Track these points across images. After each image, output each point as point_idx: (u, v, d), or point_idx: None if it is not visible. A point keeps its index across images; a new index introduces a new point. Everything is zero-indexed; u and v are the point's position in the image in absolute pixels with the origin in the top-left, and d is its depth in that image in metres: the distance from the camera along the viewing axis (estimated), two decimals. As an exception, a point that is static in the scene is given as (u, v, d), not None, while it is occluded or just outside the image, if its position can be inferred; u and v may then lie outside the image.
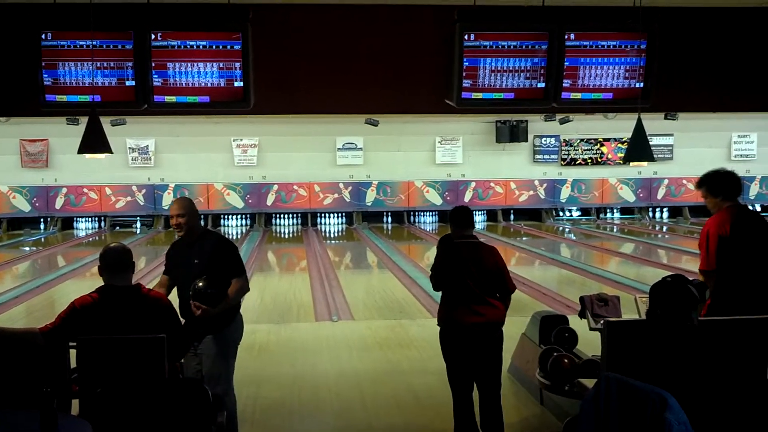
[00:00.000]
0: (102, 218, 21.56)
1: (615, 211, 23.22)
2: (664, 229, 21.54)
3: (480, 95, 5.79)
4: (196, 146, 20.82)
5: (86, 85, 5.30)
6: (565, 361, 5.00)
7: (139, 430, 3.66)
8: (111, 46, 5.32)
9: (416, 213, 22.26)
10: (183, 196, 5.15)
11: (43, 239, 19.96)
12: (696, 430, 2.79)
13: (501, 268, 4.96)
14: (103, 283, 3.98)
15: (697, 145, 21.96)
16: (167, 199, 21.24)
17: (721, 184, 4.89)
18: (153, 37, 5.31)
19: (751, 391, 3.73)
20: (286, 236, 20.78)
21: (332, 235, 20.73)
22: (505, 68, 5.82)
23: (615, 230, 21.27)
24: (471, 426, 4.95)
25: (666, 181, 22.75)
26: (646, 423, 2.73)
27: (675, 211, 23.17)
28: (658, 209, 23.28)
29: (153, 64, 5.34)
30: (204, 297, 4.43)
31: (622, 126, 19.45)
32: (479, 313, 4.84)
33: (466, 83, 5.73)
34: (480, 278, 4.86)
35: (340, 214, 22.16)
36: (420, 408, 5.38)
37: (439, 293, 5.09)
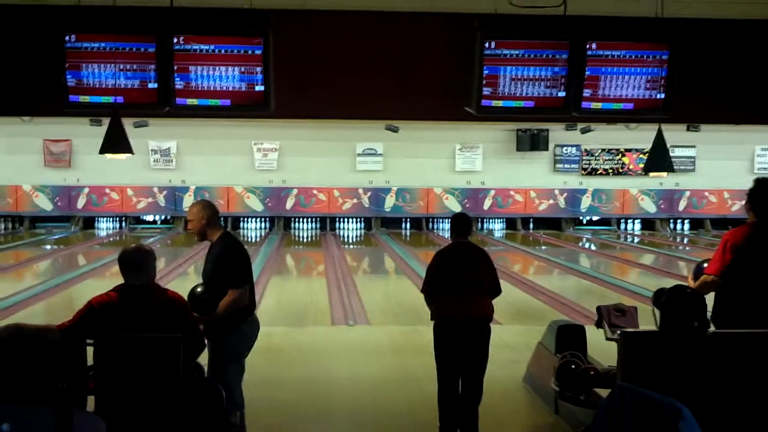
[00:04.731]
0: (123, 218, 21.76)
1: (636, 222, 23.06)
2: (685, 240, 21.36)
3: (500, 103, 5.80)
4: (217, 149, 20.95)
5: (109, 86, 5.38)
6: (585, 370, 4.99)
7: (152, 427, 3.69)
8: (134, 49, 5.39)
9: (435, 220, 22.23)
10: (201, 198, 5.15)
11: (60, 237, 20.17)
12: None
13: (492, 270, 5.30)
14: (121, 282, 4.02)
15: (720, 158, 21.77)
16: (188, 201, 21.37)
17: (755, 197, 4.78)
18: (175, 40, 5.37)
19: (766, 403, 3.70)
20: (305, 240, 20.84)
21: (351, 240, 20.77)
22: (525, 77, 5.82)
23: (635, 241, 21.12)
24: (455, 415, 5.20)
25: (688, 193, 22.56)
26: (659, 434, 2.72)
27: (696, 223, 22.96)
28: (679, 221, 23.09)
29: (175, 67, 5.40)
30: (196, 302, 4.47)
31: (644, 137, 19.25)
32: (471, 310, 5.13)
33: (486, 91, 5.74)
34: (473, 277, 5.16)
35: (358, 220, 22.18)
36: (434, 415, 5.37)
37: None
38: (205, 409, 3.84)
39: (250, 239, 19.81)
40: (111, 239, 20.22)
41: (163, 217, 22.00)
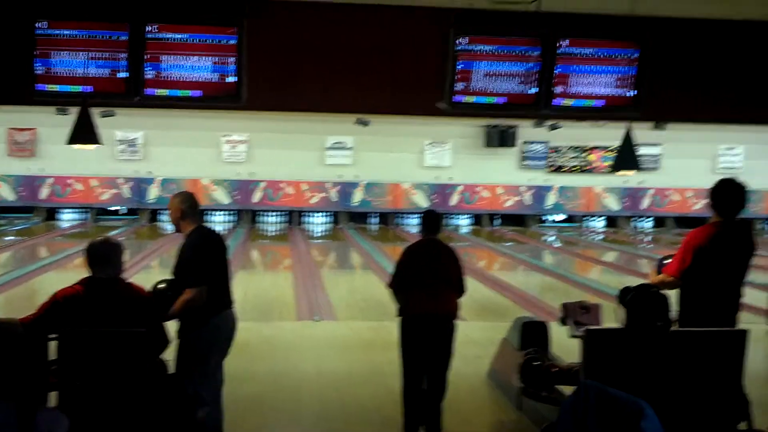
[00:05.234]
0: (87, 209, 21.45)
1: (600, 219, 23.34)
2: (648, 238, 21.67)
3: (472, 99, 5.82)
4: (184, 140, 20.74)
5: (78, 75, 5.29)
6: (548, 367, 5.03)
7: (116, 423, 3.65)
8: (106, 37, 5.31)
9: (403, 215, 22.28)
10: (184, 191, 5.05)
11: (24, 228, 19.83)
12: (673, 439, 2.82)
13: (459, 268, 5.32)
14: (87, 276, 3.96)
15: (683, 156, 22.12)
16: (153, 192, 21.17)
17: (717, 197, 4.81)
18: (149, 29, 5.29)
19: (727, 400, 3.77)
20: (272, 234, 20.73)
21: (318, 235, 20.72)
22: (497, 73, 5.84)
23: (599, 238, 21.37)
24: (419, 411, 5.24)
25: (651, 191, 22.90)
26: (622, 431, 2.76)
27: (659, 221, 23.33)
28: (642, 219, 23.43)
29: (147, 57, 5.33)
30: (157, 299, 4.37)
31: (610, 134, 19.40)
32: (437, 306, 5.16)
33: (459, 87, 5.75)
34: (440, 274, 5.20)
35: (326, 214, 22.15)
36: (398, 410, 5.37)
37: None
38: (169, 404, 3.80)
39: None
40: (74, 231, 19.92)
41: (127, 209, 21.73)
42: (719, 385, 3.79)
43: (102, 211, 21.59)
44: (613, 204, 22.96)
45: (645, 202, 23.03)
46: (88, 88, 5.29)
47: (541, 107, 6.03)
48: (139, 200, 21.29)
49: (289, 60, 6.22)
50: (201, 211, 4.80)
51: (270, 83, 6.19)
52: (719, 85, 6.53)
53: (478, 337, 7.59)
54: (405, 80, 6.35)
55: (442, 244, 5.42)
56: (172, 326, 4.36)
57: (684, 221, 22.30)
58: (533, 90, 5.92)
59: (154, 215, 21.53)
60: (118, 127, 19.83)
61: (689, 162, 22.26)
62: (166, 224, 21.23)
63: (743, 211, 4.78)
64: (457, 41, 5.65)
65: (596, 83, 6.03)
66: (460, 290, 5.35)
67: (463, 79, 5.81)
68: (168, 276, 4.61)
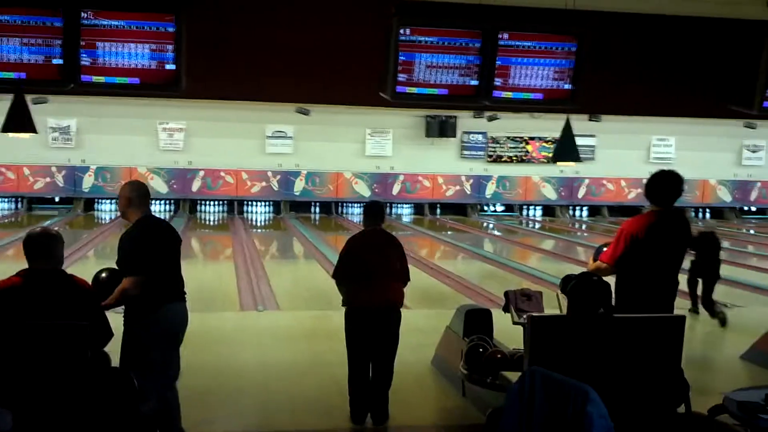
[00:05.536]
0: (19, 199, 20.82)
1: (537, 208, 23.77)
2: (584, 227, 22.16)
3: (414, 90, 5.85)
4: (119, 128, 20.26)
5: (12, 61, 5.13)
6: (492, 353, 5.12)
7: (58, 417, 3.57)
8: (39, 23, 5.16)
9: (344, 204, 22.27)
10: (135, 180, 4.99)
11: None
12: (615, 421, 2.91)
13: (403, 257, 5.40)
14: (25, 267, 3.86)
15: (618, 147, 22.64)
16: (88, 181, 20.68)
17: (652, 189, 4.96)
18: (84, 15, 5.16)
19: (667, 384, 3.90)
20: (212, 224, 20.48)
21: (259, 224, 20.55)
22: (439, 64, 5.89)
23: (537, 227, 21.76)
24: (365, 399, 5.29)
25: (587, 181, 23.41)
26: (568, 416, 2.83)
27: (594, 210, 23.88)
28: (578, 208, 23.94)
29: (82, 43, 5.20)
30: (97, 287, 4.35)
31: (547, 125, 19.90)
32: (382, 295, 5.22)
33: (402, 77, 5.78)
34: (384, 263, 5.25)
35: (267, 203, 21.96)
36: (344, 400, 5.41)
37: None
38: (113, 398, 3.74)
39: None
40: (6, 221, 19.31)
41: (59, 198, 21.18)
42: (659, 369, 3.92)
43: (35, 200, 20.98)
44: (550, 193, 23.39)
45: (581, 192, 23.52)
46: (22, 75, 5.14)
47: (481, 99, 6.10)
48: (73, 189, 20.76)
49: (230, 48, 6.15)
50: (149, 200, 4.72)
51: (211, 71, 6.12)
52: (655, 78, 6.71)
53: (421, 325, 7.66)
54: (347, 70, 6.34)
55: (386, 234, 5.46)
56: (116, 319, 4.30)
57: (618, 210, 22.92)
58: (474, 82, 5.99)
59: (89, 204, 21.03)
60: (51, 114, 19.26)
61: (623, 153, 22.81)
62: (102, 213, 20.79)
63: (678, 200, 4.94)
64: (401, 31, 5.67)
65: (535, 76, 6.13)
66: (404, 279, 5.41)
67: (406, 70, 5.84)
68: (110, 266, 4.55)
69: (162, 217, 5.17)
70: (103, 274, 4.48)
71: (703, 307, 8.87)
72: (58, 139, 20.43)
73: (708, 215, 24.25)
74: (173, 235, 4.71)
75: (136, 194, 4.59)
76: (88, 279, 4.47)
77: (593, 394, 2.79)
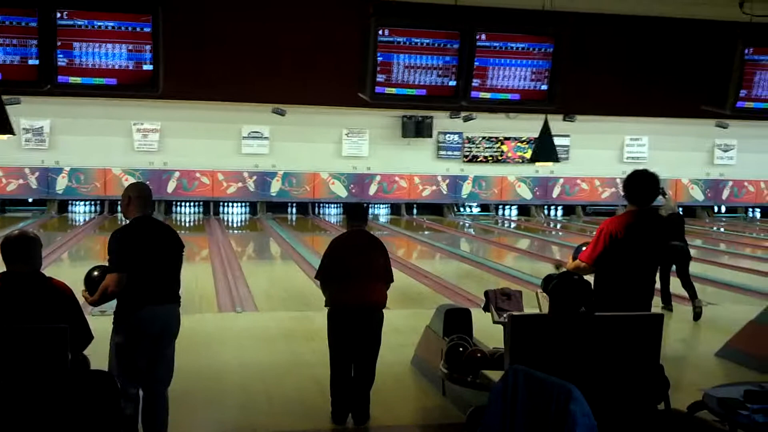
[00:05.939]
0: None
1: (513, 208, 23.90)
2: (558, 226, 22.32)
3: (393, 90, 5.86)
4: (94, 129, 20.07)
5: (-13, 62, 5.07)
6: (472, 352, 5.15)
7: (39, 421, 3.54)
8: (14, 23, 5.10)
9: (321, 205, 22.24)
10: (139, 181, 5.07)
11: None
12: (597, 419, 2.94)
13: (386, 257, 5.41)
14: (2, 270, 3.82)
15: (592, 147, 22.83)
16: (61, 183, 20.46)
17: (629, 188, 5.02)
18: (59, 15, 5.11)
19: (647, 382, 3.96)
20: (188, 225, 20.35)
21: (235, 225, 20.45)
22: (417, 65, 5.90)
23: (512, 226, 21.88)
24: (347, 399, 5.31)
25: (561, 180, 23.58)
26: (551, 414, 2.86)
27: (569, 209, 24.06)
28: (553, 207, 24.11)
29: (58, 43, 5.15)
30: (88, 283, 4.45)
31: (522, 126, 20.04)
32: (365, 296, 5.23)
33: (380, 78, 5.79)
34: (367, 264, 5.27)
35: (243, 204, 21.87)
36: (325, 400, 5.40)
37: None
38: (94, 401, 3.71)
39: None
40: (-23, 222, 19.04)
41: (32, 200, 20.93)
42: (639, 367, 3.97)
43: (8, 202, 20.70)
44: (525, 193, 23.53)
45: (555, 191, 23.70)
46: (-3, 76, 5.09)
47: (459, 100, 6.13)
48: (47, 191, 20.51)
49: (207, 49, 6.12)
50: (151, 202, 4.79)
51: (188, 72, 6.09)
52: (630, 79, 6.78)
53: (400, 325, 7.67)
54: (324, 71, 6.34)
55: (369, 235, 5.49)
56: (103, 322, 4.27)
57: (592, 209, 23.16)
58: (452, 83, 6.01)
59: (63, 206, 20.79)
60: (24, 115, 18.99)
61: (597, 152, 23.01)
62: (76, 215, 20.56)
63: (655, 199, 5.01)
64: (379, 32, 5.68)
65: (513, 76, 6.17)
66: (387, 280, 5.42)
67: (385, 71, 5.85)
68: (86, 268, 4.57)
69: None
70: (95, 272, 4.53)
71: (683, 288, 9.02)
72: (32, 140, 20.19)
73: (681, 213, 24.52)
74: (169, 238, 4.72)
75: (136, 195, 4.66)
76: (65, 281, 4.45)
77: (576, 392, 2.82)
